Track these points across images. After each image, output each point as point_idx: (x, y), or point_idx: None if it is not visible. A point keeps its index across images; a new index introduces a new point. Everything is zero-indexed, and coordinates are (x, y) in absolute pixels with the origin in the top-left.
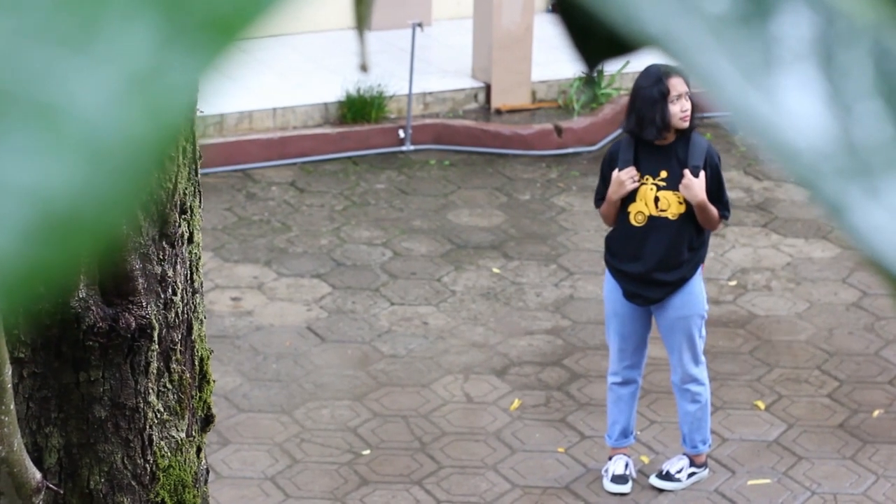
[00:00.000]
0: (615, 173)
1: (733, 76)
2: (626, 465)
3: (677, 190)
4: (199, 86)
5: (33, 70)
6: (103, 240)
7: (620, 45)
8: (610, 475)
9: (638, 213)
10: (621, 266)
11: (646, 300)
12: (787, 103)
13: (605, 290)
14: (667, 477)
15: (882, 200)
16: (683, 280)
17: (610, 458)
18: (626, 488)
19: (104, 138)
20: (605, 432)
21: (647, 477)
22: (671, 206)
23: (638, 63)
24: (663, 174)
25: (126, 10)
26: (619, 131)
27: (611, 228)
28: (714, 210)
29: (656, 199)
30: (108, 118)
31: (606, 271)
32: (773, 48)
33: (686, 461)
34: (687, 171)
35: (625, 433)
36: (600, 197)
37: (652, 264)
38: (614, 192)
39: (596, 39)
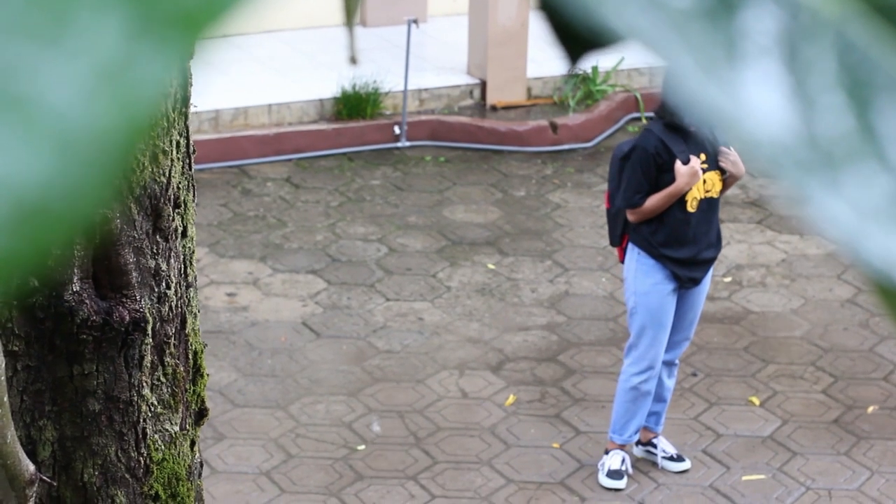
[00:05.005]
0: (679, 165)
1: (695, 70)
2: (623, 461)
3: (717, 169)
4: (167, 79)
5: (5, 62)
6: (74, 230)
7: (600, 40)
8: (606, 470)
9: (693, 198)
10: (677, 254)
11: (696, 282)
12: (750, 97)
13: (647, 285)
14: (679, 459)
15: (842, 192)
16: (719, 251)
17: (606, 453)
18: (621, 484)
19: (74, 130)
20: (599, 427)
21: (642, 472)
22: (715, 184)
23: (635, 59)
24: (702, 157)
25: (95, 5)
26: (614, 128)
27: (646, 226)
28: None
29: (703, 182)
30: (77, 110)
31: (646, 268)
32: (738, 42)
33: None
34: (728, 149)
35: (637, 430)
36: (644, 193)
37: (703, 244)
38: (687, 184)
39: (576, 35)
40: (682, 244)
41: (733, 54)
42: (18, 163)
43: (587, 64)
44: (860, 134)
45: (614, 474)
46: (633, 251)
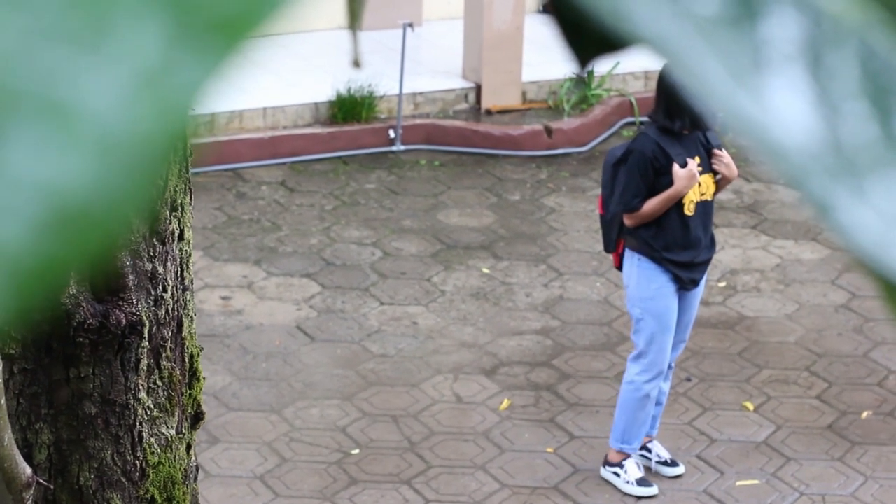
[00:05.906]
0: (677, 168)
1: (722, 77)
2: (639, 467)
3: (710, 172)
4: (206, 85)
5: (46, 68)
6: (114, 234)
7: (612, 43)
8: (633, 481)
9: (690, 201)
10: (678, 257)
11: (696, 283)
12: (775, 103)
13: (651, 290)
14: (673, 464)
15: (868, 199)
16: (714, 253)
17: (621, 466)
18: (654, 490)
19: (115, 135)
20: (593, 432)
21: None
22: (709, 187)
23: (630, 64)
24: (697, 160)
25: (135, 10)
26: (608, 132)
27: (644, 230)
28: None
29: (698, 184)
30: (118, 115)
31: (648, 272)
32: (762, 49)
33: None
34: (721, 152)
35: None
36: (642, 197)
37: (701, 247)
38: (685, 187)
39: (588, 38)
40: (683, 248)
41: (759, 62)
42: (60, 168)
43: (595, 66)
44: (884, 141)
45: (643, 482)
46: (632, 257)
